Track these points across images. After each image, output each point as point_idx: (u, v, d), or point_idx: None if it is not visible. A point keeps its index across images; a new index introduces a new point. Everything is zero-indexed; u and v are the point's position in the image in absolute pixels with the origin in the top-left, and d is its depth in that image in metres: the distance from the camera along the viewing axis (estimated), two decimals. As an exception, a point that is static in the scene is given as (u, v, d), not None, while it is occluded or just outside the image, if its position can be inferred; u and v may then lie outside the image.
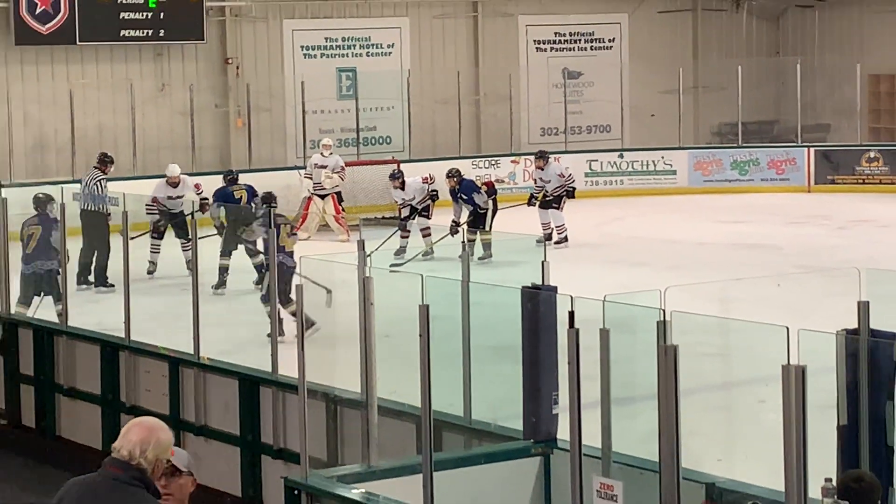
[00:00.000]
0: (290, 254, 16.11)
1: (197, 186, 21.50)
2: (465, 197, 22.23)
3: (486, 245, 21.12)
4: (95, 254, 19.65)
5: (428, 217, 22.29)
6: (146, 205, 20.31)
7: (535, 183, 24.17)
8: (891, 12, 32.70)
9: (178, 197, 20.97)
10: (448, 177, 22.62)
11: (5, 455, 14.04)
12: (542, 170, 23.66)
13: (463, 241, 12.25)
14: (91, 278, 19.60)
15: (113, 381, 13.68)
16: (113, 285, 18.89)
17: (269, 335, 12.74)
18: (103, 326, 14.53)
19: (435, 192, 22.73)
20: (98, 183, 20.51)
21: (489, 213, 22.06)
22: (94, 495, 6.45)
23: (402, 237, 21.81)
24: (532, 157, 25.21)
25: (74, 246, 17.43)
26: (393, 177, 22.97)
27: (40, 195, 17.35)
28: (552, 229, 23.06)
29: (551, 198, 23.35)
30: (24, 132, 26.86)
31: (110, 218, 19.32)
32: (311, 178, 24.79)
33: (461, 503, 8.61)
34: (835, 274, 19.45)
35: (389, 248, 20.81)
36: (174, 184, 21.09)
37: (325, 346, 10.51)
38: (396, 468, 9.14)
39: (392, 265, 19.26)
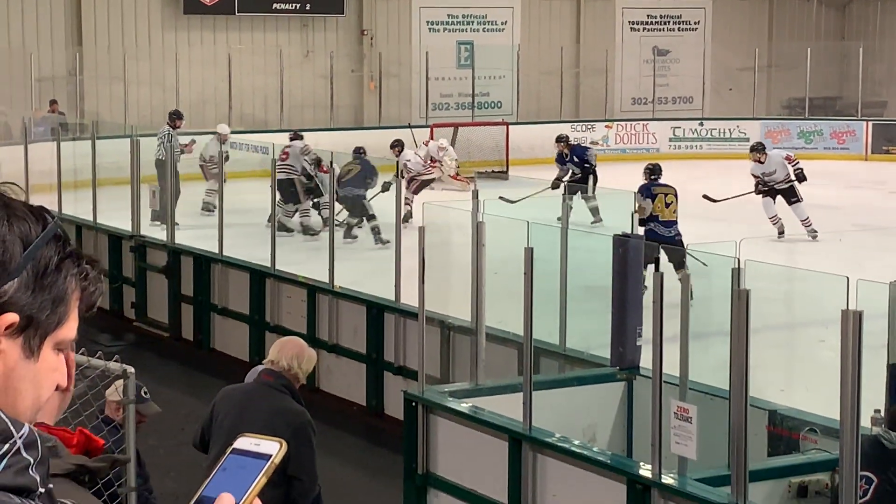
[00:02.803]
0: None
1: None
2: (577, 159, 20.49)
3: (594, 210, 18.93)
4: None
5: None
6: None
7: (757, 178, 19.16)
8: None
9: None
10: (558, 141, 20.89)
11: (168, 363, 14.28)
12: (762, 163, 19.06)
13: (563, 194, 12.20)
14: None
15: (260, 303, 13.84)
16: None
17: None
18: (252, 257, 14.68)
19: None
20: (164, 137, 19.08)
21: (593, 177, 20.21)
22: (248, 397, 6.73)
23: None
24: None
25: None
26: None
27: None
28: (780, 220, 18.95)
29: (785, 189, 19.00)
30: (190, 89, 27.13)
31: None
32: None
33: (555, 419, 8.61)
34: (888, 232, 19.15)
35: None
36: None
37: (442, 280, 10.55)
38: (500, 387, 9.15)
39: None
